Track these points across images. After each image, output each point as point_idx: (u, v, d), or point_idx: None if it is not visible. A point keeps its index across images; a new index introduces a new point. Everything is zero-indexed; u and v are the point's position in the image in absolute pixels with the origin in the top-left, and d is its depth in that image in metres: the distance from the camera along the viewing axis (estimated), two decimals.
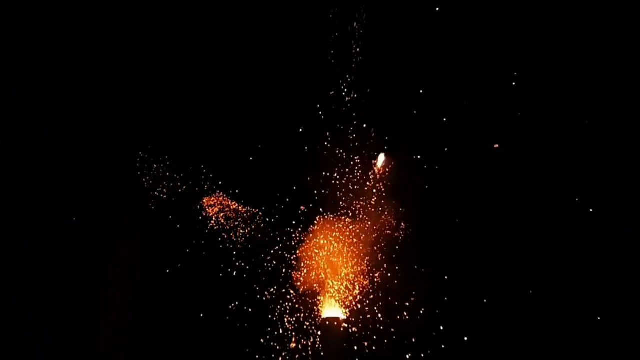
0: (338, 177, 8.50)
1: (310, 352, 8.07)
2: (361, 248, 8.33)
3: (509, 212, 8.06)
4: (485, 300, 7.88)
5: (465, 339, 7.78)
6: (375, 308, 8.10)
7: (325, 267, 8.33)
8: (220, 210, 8.74)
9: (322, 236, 8.40)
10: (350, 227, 8.41)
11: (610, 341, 7.44)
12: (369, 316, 8.09)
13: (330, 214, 8.45)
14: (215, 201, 8.77)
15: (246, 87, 8.64)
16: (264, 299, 8.36)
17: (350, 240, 8.36)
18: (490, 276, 7.98)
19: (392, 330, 8.00)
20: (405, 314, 7.99)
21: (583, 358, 7.51)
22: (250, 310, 8.36)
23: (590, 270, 7.69)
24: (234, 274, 8.52)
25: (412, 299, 8.01)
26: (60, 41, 8.37)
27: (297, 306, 8.29)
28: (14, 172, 8.37)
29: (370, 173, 8.26)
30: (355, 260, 8.30)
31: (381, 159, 8.04)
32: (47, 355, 8.22)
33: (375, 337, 8.01)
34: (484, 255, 8.07)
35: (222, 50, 8.67)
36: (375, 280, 8.20)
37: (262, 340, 8.23)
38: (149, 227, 8.77)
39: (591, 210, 7.69)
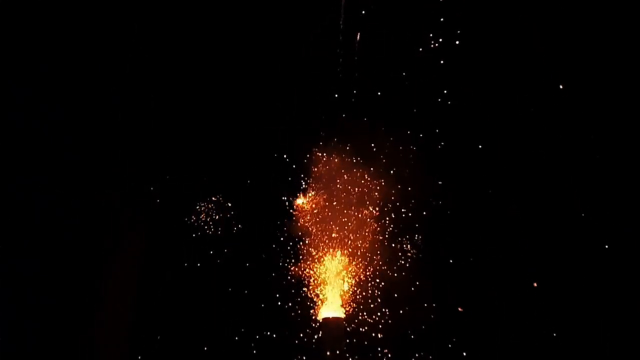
0: (338, 176, 8.53)
1: (310, 352, 8.10)
2: (362, 247, 8.35)
3: (510, 212, 8.10)
4: (487, 300, 7.92)
5: (467, 336, 7.83)
6: (376, 308, 8.13)
7: (326, 266, 8.35)
8: (219, 211, 8.76)
9: (321, 235, 8.43)
10: (350, 227, 8.44)
11: (611, 341, 7.49)
12: (369, 315, 8.13)
13: (330, 214, 8.48)
14: (214, 202, 8.78)
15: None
16: (264, 298, 8.39)
17: (351, 240, 8.38)
18: (491, 275, 8.01)
19: (392, 330, 8.03)
20: (406, 313, 8.02)
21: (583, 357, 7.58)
22: (249, 310, 8.39)
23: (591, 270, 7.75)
24: (233, 274, 8.55)
25: (412, 299, 8.05)
26: (60, 41, 8.37)
27: (297, 306, 8.31)
28: (14, 172, 8.37)
29: None
30: (356, 259, 8.32)
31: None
32: (47, 354, 8.24)
33: (375, 337, 8.05)
34: (484, 255, 8.09)
35: (219, 54, 8.71)
36: (376, 280, 8.23)
37: (261, 340, 8.26)
38: (149, 228, 8.78)
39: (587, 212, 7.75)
